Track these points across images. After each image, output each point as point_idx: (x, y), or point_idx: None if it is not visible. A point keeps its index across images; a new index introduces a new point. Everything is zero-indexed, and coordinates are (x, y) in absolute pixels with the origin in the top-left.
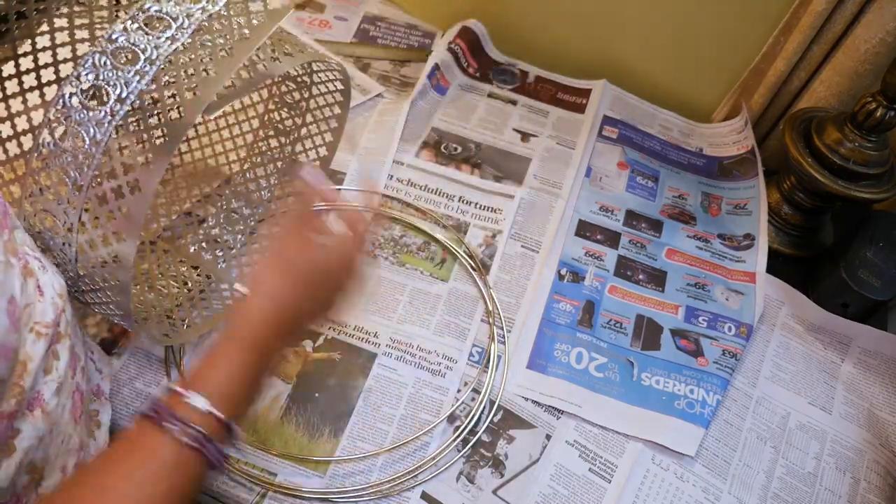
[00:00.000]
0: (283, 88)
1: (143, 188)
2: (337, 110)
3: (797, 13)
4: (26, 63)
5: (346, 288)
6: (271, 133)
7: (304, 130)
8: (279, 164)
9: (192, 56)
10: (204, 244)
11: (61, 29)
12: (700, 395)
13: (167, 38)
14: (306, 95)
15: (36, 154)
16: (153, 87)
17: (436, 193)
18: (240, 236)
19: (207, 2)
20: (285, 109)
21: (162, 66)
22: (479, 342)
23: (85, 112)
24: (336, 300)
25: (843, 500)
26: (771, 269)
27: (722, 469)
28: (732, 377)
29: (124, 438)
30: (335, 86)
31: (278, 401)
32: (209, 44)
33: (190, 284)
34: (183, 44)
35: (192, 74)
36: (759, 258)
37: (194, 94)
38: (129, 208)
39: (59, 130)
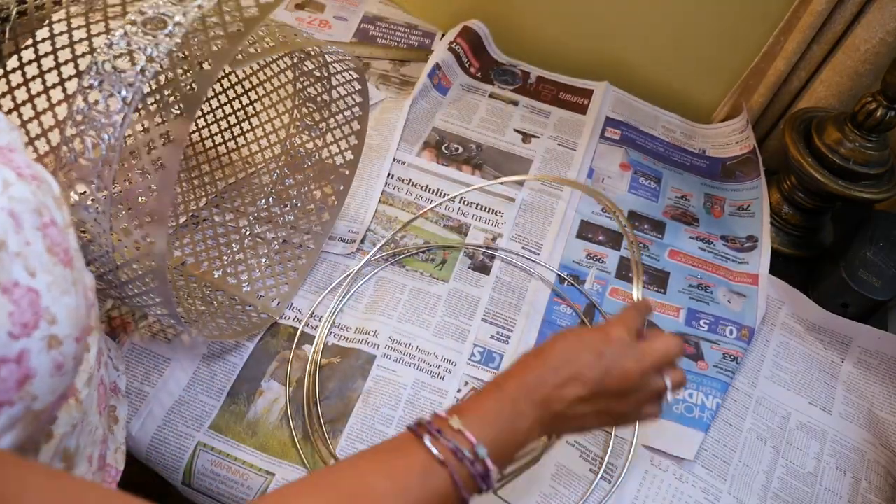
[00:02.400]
0: (304, 110)
1: (167, 164)
2: (358, 112)
3: (797, 13)
4: (61, 41)
5: (639, 401)
6: (298, 139)
7: (329, 136)
8: (303, 189)
9: (214, 22)
10: (228, 269)
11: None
12: (699, 399)
13: (194, 7)
14: (325, 115)
15: (70, 122)
16: (182, 47)
17: (437, 194)
18: (264, 260)
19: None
20: (306, 133)
21: (189, 31)
22: (479, 342)
23: (117, 75)
24: (625, 411)
25: (843, 500)
26: (771, 269)
27: (722, 469)
28: (733, 380)
29: (387, 443)
30: (353, 87)
31: (278, 403)
32: (220, 20)
33: (215, 304)
34: (205, 11)
35: (213, 37)
36: (761, 260)
37: (203, 67)
38: (157, 185)
39: (93, 96)
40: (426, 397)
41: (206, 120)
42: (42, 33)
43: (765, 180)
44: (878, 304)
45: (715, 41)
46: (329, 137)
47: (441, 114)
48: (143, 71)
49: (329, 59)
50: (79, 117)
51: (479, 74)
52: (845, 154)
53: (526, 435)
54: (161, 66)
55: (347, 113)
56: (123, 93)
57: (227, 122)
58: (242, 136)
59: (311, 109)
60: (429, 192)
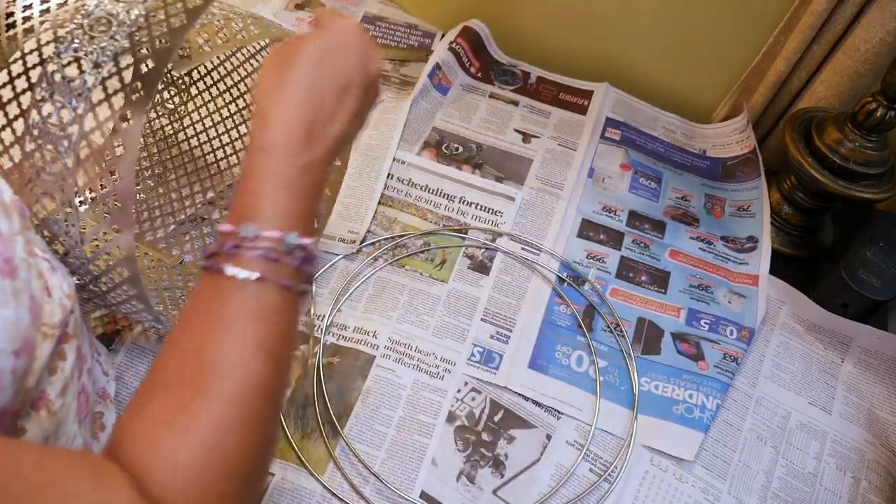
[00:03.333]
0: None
1: (126, 147)
2: None
3: (797, 13)
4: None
5: (361, 69)
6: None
7: None
8: None
9: (162, 14)
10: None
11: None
12: (699, 400)
13: (139, 3)
14: None
15: (28, 137)
16: (126, 46)
17: (436, 194)
18: None
19: None
20: None
21: (133, 29)
22: (479, 342)
23: (66, 84)
24: (357, 83)
25: (843, 500)
26: (771, 269)
27: (721, 470)
28: (732, 380)
29: (196, 298)
30: None
31: None
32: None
33: None
34: (149, 6)
35: (163, 29)
36: (762, 261)
37: (162, 42)
38: (118, 170)
39: (46, 108)
40: (426, 397)
41: (203, 124)
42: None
43: (765, 180)
44: (878, 304)
45: (715, 41)
46: None
47: (441, 114)
48: (89, 79)
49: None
50: (35, 132)
51: (479, 74)
52: (845, 154)
53: (317, 181)
54: (108, 71)
55: None
56: (73, 103)
57: (216, 130)
58: (240, 140)
59: None
60: (429, 191)
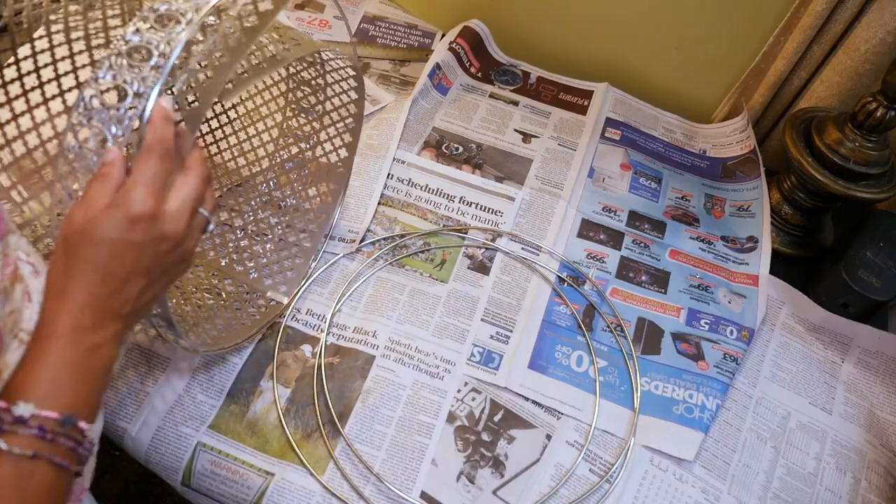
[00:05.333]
0: (299, 94)
1: None
2: (353, 109)
3: (797, 13)
4: (47, 73)
5: (188, 248)
6: (290, 140)
7: (322, 134)
8: (304, 171)
9: (204, 46)
10: (234, 255)
11: (75, 38)
12: (700, 400)
13: (179, 33)
14: (322, 98)
15: (62, 159)
16: (170, 79)
17: (436, 194)
18: (269, 245)
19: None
20: (303, 115)
21: (176, 61)
22: (479, 342)
23: (106, 112)
24: (180, 260)
25: (843, 500)
26: (771, 269)
27: (721, 470)
28: (732, 380)
29: None
30: (349, 84)
31: (277, 403)
32: (218, 33)
33: (224, 295)
34: (194, 36)
35: (205, 65)
36: (762, 261)
37: (206, 76)
38: None
39: (83, 133)
40: (425, 397)
41: (209, 125)
42: (26, 65)
43: (765, 180)
44: (878, 304)
45: (715, 41)
46: (323, 135)
47: (441, 114)
48: (131, 108)
49: (325, 58)
50: (70, 155)
51: (479, 74)
52: (845, 154)
53: (106, 361)
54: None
55: (343, 111)
56: (114, 130)
57: (223, 131)
58: (248, 142)
59: (303, 106)
60: (429, 191)
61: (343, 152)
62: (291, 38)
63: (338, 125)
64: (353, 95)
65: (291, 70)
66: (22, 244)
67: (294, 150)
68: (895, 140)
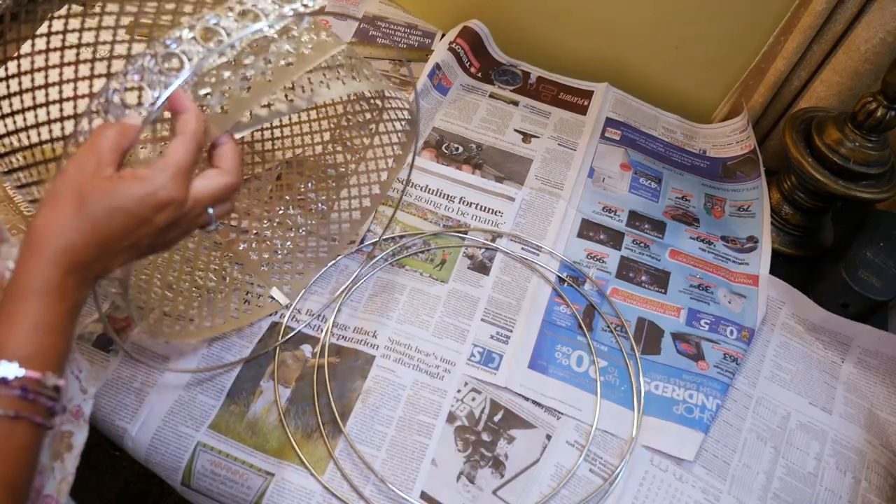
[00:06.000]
0: (357, 108)
1: None
2: (403, 138)
3: (797, 13)
4: (85, 53)
5: (183, 232)
6: (339, 148)
7: (370, 152)
8: (343, 181)
9: (234, 74)
10: (254, 244)
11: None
12: (700, 400)
13: (216, 52)
14: (377, 118)
15: (72, 141)
16: (189, 94)
17: (436, 194)
18: (288, 243)
19: (268, 25)
20: (356, 129)
21: (205, 79)
22: (479, 342)
23: (122, 109)
24: (168, 239)
25: (843, 500)
26: (771, 269)
27: (721, 470)
28: (732, 380)
29: None
30: (403, 114)
31: (277, 403)
32: (252, 65)
33: (227, 280)
34: (230, 61)
35: (228, 92)
36: (762, 261)
37: (223, 110)
38: None
39: (97, 122)
40: (426, 397)
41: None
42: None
43: (765, 180)
44: (878, 304)
45: (715, 41)
46: (370, 154)
47: (441, 114)
48: (146, 113)
49: (386, 94)
50: (80, 138)
51: (479, 74)
52: (845, 154)
53: (76, 318)
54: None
55: (394, 136)
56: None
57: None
58: (300, 136)
59: (359, 120)
60: (429, 191)
61: (384, 174)
62: (342, 73)
63: (385, 148)
64: (405, 125)
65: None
66: (12, 253)
67: (340, 158)
68: (895, 140)
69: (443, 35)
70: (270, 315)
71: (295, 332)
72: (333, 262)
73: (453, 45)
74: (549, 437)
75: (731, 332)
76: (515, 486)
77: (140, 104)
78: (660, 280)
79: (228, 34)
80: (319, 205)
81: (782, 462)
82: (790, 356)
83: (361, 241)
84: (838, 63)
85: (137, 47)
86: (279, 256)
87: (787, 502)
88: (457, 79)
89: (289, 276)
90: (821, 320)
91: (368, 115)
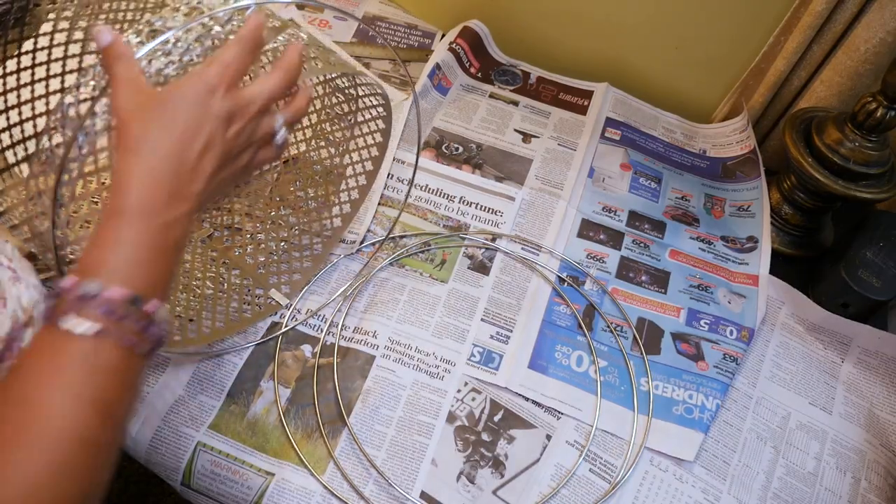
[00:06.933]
0: (334, 100)
1: None
2: (382, 125)
3: (797, 13)
4: (40, 72)
5: (221, 132)
6: (322, 144)
7: (352, 143)
8: (330, 176)
9: (180, 67)
10: (249, 247)
11: (72, 40)
12: (699, 400)
13: (162, 53)
14: (353, 108)
15: (36, 160)
16: None
17: (436, 194)
18: (282, 244)
19: (210, 18)
20: (336, 121)
21: (159, 82)
22: (479, 342)
23: (77, 121)
24: (218, 142)
25: (843, 500)
26: (771, 269)
27: (721, 470)
28: (732, 381)
29: (32, 349)
30: (377, 100)
31: (277, 403)
32: (191, 50)
33: (225, 286)
34: (182, 59)
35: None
36: (762, 261)
37: None
38: None
39: (56, 139)
40: (426, 397)
41: None
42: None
43: (765, 180)
44: (878, 304)
45: (715, 41)
46: (352, 145)
47: (441, 114)
48: (99, 122)
49: (358, 81)
50: (43, 157)
51: (479, 75)
52: (845, 154)
53: (177, 240)
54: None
55: (372, 124)
56: (80, 140)
57: None
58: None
59: (337, 112)
60: (429, 191)
61: (368, 164)
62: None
63: (366, 137)
64: (382, 112)
65: (327, 76)
66: (6, 250)
67: (324, 153)
68: (895, 140)
69: (443, 35)
70: (271, 315)
71: (290, 328)
72: (333, 262)
73: (453, 46)
74: (549, 438)
75: (731, 332)
76: (515, 486)
77: (94, 115)
78: (660, 280)
79: (177, 41)
80: (310, 202)
81: (782, 462)
82: (790, 356)
83: (362, 242)
84: (838, 63)
85: (89, 59)
86: (275, 258)
87: (786, 502)
88: (457, 79)
89: (286, 276)
90: (821, 320)
91: (346, 108)
